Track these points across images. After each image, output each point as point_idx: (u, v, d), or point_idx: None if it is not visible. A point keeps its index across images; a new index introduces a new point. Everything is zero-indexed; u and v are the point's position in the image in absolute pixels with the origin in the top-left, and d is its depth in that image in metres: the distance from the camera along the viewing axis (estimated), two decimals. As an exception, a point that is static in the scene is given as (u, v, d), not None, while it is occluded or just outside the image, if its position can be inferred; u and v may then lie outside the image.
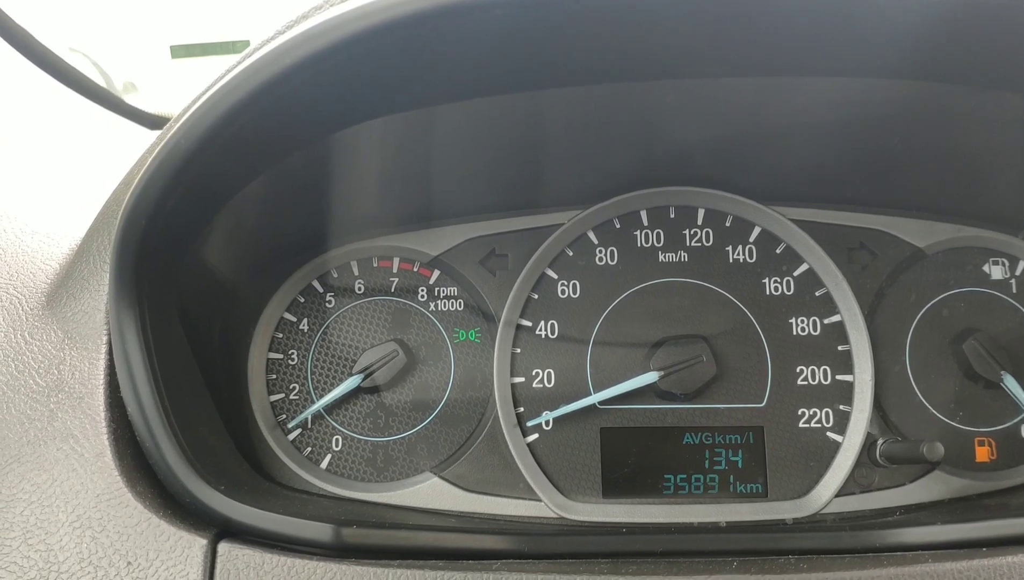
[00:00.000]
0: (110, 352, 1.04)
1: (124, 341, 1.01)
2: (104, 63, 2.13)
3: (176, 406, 1.03)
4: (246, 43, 2.39)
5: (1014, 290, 1.35)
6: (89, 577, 0.94)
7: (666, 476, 1.27)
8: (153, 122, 1.76)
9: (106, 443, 1.00)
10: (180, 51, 2.37)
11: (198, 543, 0.94)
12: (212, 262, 1.18)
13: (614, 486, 1.27)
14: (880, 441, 1.25)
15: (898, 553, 0.99)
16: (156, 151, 0.95)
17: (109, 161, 1.40)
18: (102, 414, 1.02)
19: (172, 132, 0.93)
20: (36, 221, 1.23)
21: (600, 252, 1.35)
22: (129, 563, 0.94)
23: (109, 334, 1.05)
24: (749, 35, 0.96)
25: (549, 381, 1.31)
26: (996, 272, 1.35)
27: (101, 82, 1.63)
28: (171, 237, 1.03)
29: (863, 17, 0.89)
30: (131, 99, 1.70)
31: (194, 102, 0.95)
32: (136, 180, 0.96)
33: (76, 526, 0.96)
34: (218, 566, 0.94)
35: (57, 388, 1.04)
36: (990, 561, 0.90)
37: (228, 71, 0.94)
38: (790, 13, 0.89)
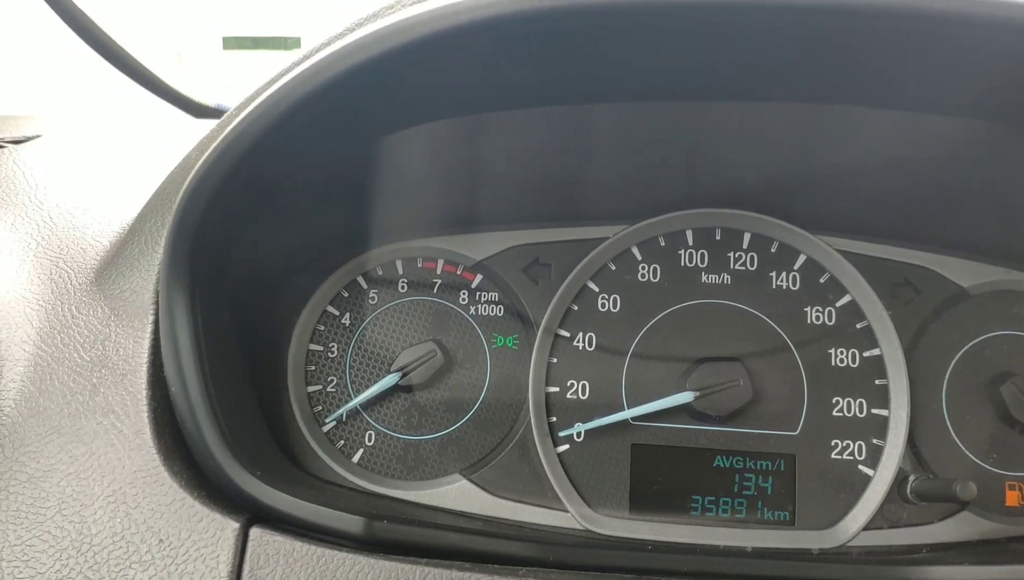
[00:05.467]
0: (155, 332, 1.06)
1: (173, 321, 1.02)
2: (155, 50, 2.16)
3: (219, 389, 1.05)
4: (297, 40, 2.43)
5: (1055, 336, 1.34)
6: (121, 552, 0.96)
7: (694, 497, 1.27)
8: (199, 110, 1.78)
9: (146, 420, 1.02)
10: (232, 43, 2.41)
11: (231, 526, 0.96)
12: (263, 251, 1.19)
13: (642, 503, 1.27)
14: (911, 478, 1.25)
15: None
16: (222, 136, 0.96)
17: (153, 147, 1.43)
18: (143, 392, 1.03)
19: (239, 118, 0.95)
20: (88, 199, 1.25)
21: (643, 268, 1.35)
22: (161, 541, 0.96)
23: (156, 314, 1.06)
24: (820, 61, 0.97)
25: (583, 393, 1.32)
26: (1039, 317, 1.34)
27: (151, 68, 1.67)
28: (227, 223, 1.04)
29: (938, 53, 0.89)
30: (178, 79, 1.72)
31: (266, 87, 0.97)
32: (199, 163, 0.98)
33: (111, 501, 0.98)
34: (249, 550, 0.95)
35: (101, 363, 1.06)
36: None
37: (303, 60, 0.95)
38: (869, 43, 0.89)
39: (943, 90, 1.00)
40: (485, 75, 1.01)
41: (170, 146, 1.39)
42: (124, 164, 1.38)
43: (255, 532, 0.96)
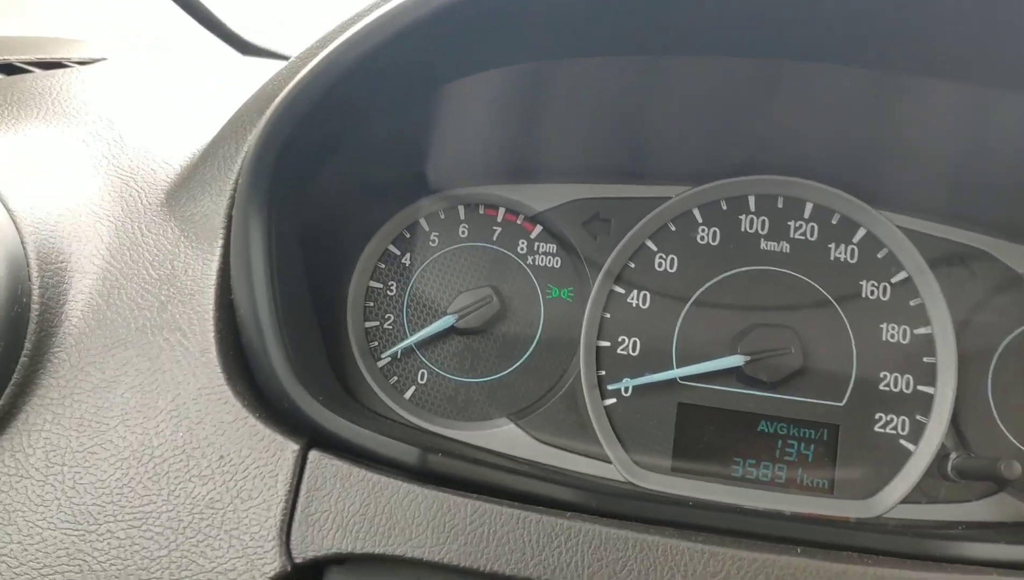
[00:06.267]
0: (224, 255, 1.07)
1: (248, 244, 1.04)
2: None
3: (286, 314, 1.06)
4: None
5: (1105, 329, 1.34)
6: (181, 465, 0.98)
7: (736, 459, 1.30)
8: (246, 48, 1.80)
9: (212, 340, 1.03)
10: None
11: (290, 447, 0.98)
12: (335, 184, 1.20)
13: (684, 461, 1.30)
14: (952, 455, 1.26)
15: (959, 564, 1.00)
16: (310, 66, 0.97)
17: (209, 79, 1.44)
18: (211, 312, 1.04)
19: (331, 49, 0.96)
20: (157, 123, 1.27)
21: (703, 231, 1.36)
22: (222, 457, 0.98)
23: (226, 237, 1.07)
24: (904, 27, 0.96)
25: (634, 349, 1.34)
26: (1091, 308, 1.35)
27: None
28: (307, 153, 1.06)
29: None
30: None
31: (355, 20, 0.98)
32: (286, 91, 0.99)
33: (174, 415, 1.00)
34: (307, 472, 0.97)
35: (169, 282, 1.07)
36: None
37: None
38: (959, 12, 0.89)
39: (1013, 67, 1.00)
40: (564, 18, 1.01)
41: (222, 79, 1.40)
42: (187, 93, 1.39)
43: (314, 455, 0.98)
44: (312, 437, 1.01)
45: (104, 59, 1.48)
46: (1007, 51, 0.97)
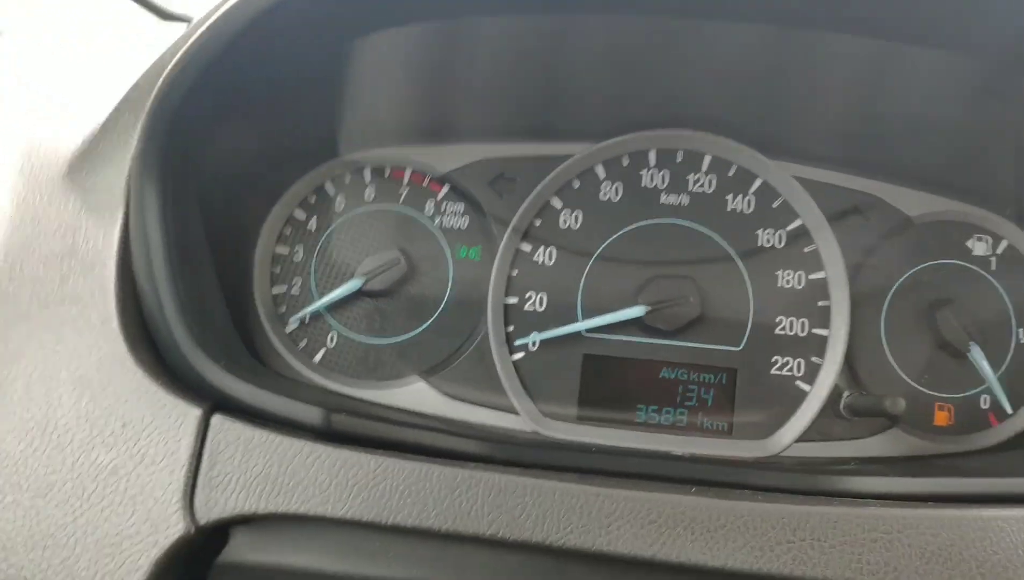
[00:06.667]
0: (125, 226, 1.07)
1: (144, 213, 1.05)
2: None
3: (185, 282, 1.08)
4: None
5: (994, 267, 1.40)
6: (84, 433, 0.99)
7: (639, 406, 1.34)
8: (164, 14, 1.76)
9: (113, 310, 1.04)
10: None
11: (193, 413, 0.99)
12: (234, 150, 1.21)
13: (590, 410, 1.34)
14: (845, 394, 1.32)
15: (847, 498, 1.05)
16: (198, 32, 0.98)
17: (121, 48, 1.42)
18: (112, 282, 1.05)
19: (217, 14, 0.96)
20: (59, 96, 1.25)
21: (606, 187, 1.39)
22: (124, 425, 0.99)
23: (126, 208, 1.08)
24: None
25: (541, 305, 1.37)
26: (979, 248, 1.40)
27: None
28: (200, 119, 1.06)
29: None
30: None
31: None
32: (175, 58, 0.99)
33: (77, 385, 1.01)
34: (209, 436, 0.99)
35: (70, 254, 1.07)
36: (932, 513, 0.96)
37: None
38: None
39: (912, 20, 1.03)
40: None
41: (136, 47, 1.38)
42: (93, 63, 1.37)
43: (216, 419, 1.00)
44: (216, 402, 1.03)
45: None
46: (898, 5, 1.01)
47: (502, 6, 1.12)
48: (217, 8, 1.03)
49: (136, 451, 0.98)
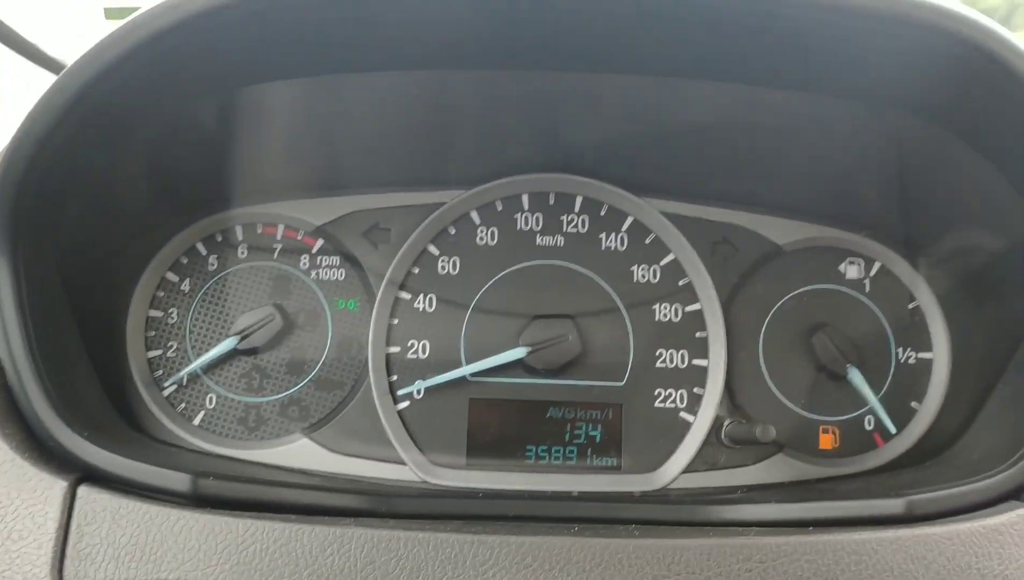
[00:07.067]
0: None
1: None
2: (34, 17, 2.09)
3: (46, 352, 1.06)
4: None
5: (868, 289, 1.44)
6: (-51, 509, 0.96)
7: (528, 447, 1.34)
8: (58, 67, 1.74)
9: None
10: (114, 13, 2.34)
11: (59, 485, 0.97)
12: (93, 218, 1.19)
13: (478, 454, 1.33)
14: (727, 422, 1.34)
15: (727, 528, 1.06)
16: (41, 97, 0.97)
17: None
18: None
19: (58, 78, 0.95)
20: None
21: (481, 232, 1.41)
22: None
23: None
24: (638, 37, 1.03)
25: (424, 352, 1.37)
26: (852, 271, 1.44)
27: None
28: (51, 185, 1.05)
29: (751, 28, 0.97)
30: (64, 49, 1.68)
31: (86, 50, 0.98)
32: (17, 129, 0.98)
33: None
34: (76, 508, 0.97)
35: None
36: (807, 539, 0.97)
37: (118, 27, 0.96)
38: (690, 20, 0.96)
39: (775, 67, 1.08)
40: (326, 36, 1.04)
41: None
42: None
43: (83, 490, 0.98)
44: (83, 473, 1.00)
45: None
46: (761, 54, 1.05)
47: (369, 64, 1.13)
48: (59, 80, 1.02)
49: (3, 527, 0.96)
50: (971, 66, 0.96)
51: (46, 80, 0.99)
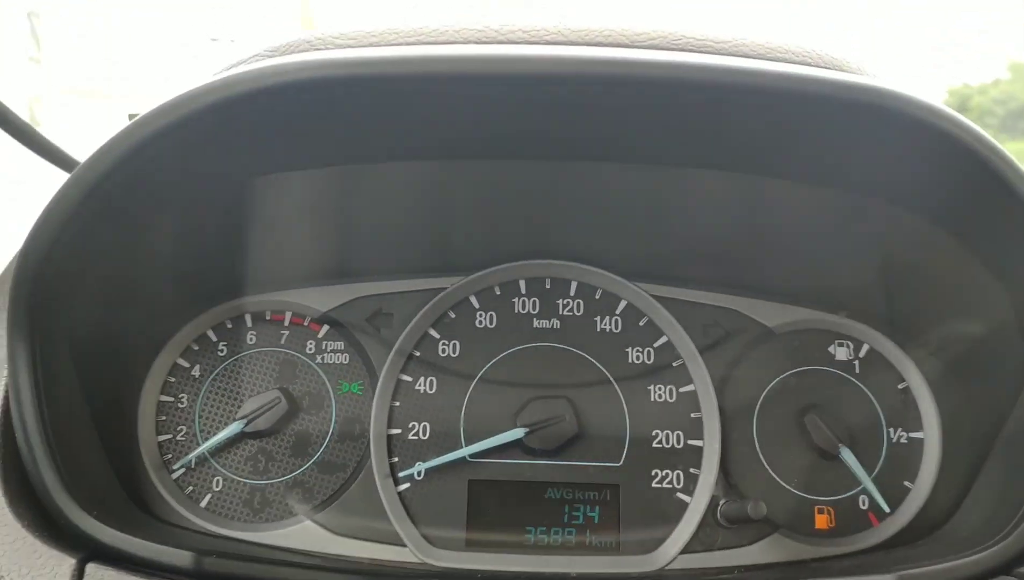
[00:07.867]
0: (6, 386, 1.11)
1: (16, 372, 1.08)
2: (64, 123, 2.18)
3: (60, 435, 1.10)
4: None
5: (857, 371, 1.47)
6: (-38, 586, 1.00)
7: (527, 528, 1.36)
8: (69, 165, 1.81)
9: None
10: None
11: (67, 562, 1.01)
12: (109, 306, 1.24)
13: (478, 535, 1.35)
14: (722, 502, 1.35)
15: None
16: (56, 192, 1.03)
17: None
18: None
19: (73, 173, 1.02)
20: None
21: (480, 316, 1.46)
22: (2, 576, 1.00)
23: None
24: (633, 127, 1.10)
25: (424, 433, 1.40)
26: (841, 353, 1.48)
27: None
28: (66, 277, 1.10)
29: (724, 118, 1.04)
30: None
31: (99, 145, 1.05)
32: (32, 228, 1.04)
33: None
34: None
35: None
36: None
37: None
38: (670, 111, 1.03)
39: (749, 153, 1.14)
40: (317, 132, 1.11)
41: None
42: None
43: (91, 568, 1.01)
44: (91, 551, 1.04)
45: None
46: (752, 146, 1.12)
47: (365, 156, 1.20)
48: (74, 174, 1.09)
49: (14, 603, 0.99)
50: (963, 169, 1.02)
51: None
